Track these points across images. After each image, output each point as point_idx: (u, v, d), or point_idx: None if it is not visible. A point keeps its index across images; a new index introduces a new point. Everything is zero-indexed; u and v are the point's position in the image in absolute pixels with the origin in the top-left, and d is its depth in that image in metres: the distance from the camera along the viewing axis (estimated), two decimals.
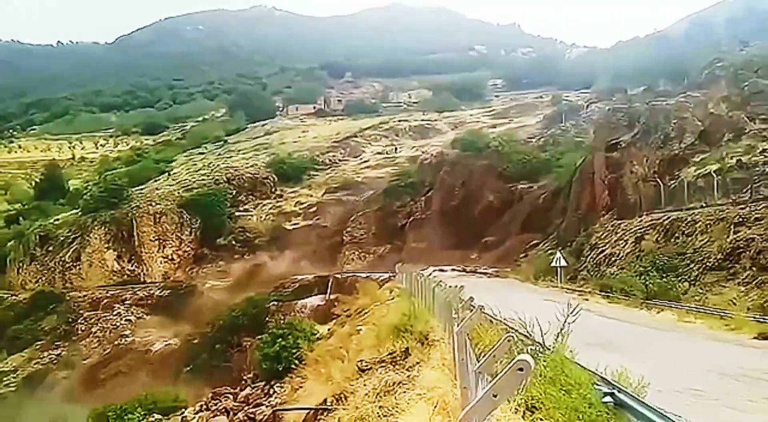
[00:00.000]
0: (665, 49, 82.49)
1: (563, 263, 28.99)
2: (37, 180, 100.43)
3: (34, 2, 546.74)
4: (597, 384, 5.26)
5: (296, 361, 22.18)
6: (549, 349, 6.35)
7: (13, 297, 61.68)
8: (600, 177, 36.96)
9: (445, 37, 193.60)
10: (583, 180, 40.55)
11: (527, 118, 76.97)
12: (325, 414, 11.22)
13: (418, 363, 10.03)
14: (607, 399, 4.92)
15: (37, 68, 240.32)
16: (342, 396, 11.12)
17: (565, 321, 6.60)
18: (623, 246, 28.13)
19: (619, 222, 31.22)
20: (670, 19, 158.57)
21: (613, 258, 28.29)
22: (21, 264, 67.15)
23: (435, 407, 6.62)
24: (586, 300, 21.59)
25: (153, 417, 29.23)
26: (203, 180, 69.42)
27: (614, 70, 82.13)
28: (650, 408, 4.43)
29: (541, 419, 5.00)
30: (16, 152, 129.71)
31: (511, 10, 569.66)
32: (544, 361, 5.85)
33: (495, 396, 3.35)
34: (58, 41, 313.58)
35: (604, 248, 30.09)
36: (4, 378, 49.37)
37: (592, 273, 29.42)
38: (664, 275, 21.35)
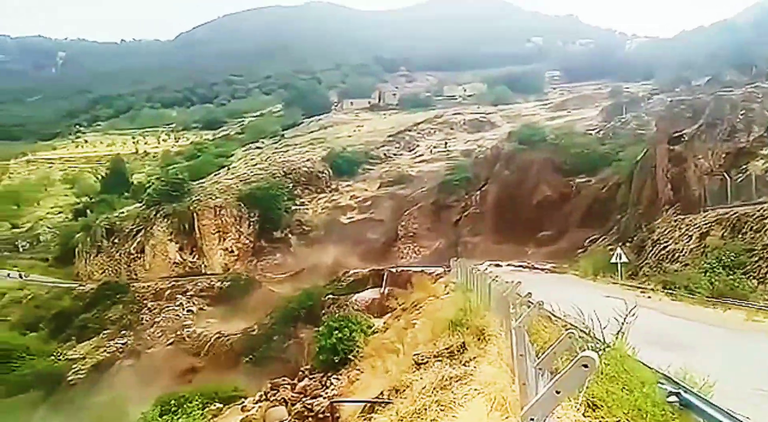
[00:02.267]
0: (732, 38, 79.21)
1: (624, 259, 28.21)
2: (103, 174, 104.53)
3: (100, 1, 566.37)
4: (661, 383, 5.16)
5: (352, 354, 22.43)
6: (609, 346, 6.26)
7: (81, 288, 64.45)
8: (662, 170, 35.80)
9: (500, 29, 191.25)
10: (644, 173, 39.39)
11: (586, 111, 75.23)
12: (382, 406, 11.33)
13: (474, 357, 10.01)
14: (672, 398, 4.83)
15: (103, 65, 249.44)
16: (398, 389, 11.22)
17: (626, 318, 6.49)
18: (687, 242, 27.19)
19: (683, 217, 30.19)
20: (737, 7, 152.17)
21: (676, 255, 27.38)
22: (88, 256, 70.09)
23: (493, 402, 6.62)
24: (648, 297, 21.01)
25: (213, 405, 30.13)
26: (261, 174, 70.74)
27: (677, 61, 79.46)
28: (718, 408, 4.32)
29: (602, 417, 4.95)
30: (82, 147, 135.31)
31: (568, 1, 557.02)
32: (605, 358, 5.77)
33: (558, 392, 3.35)
34: (122, 39, 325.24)
35: (666, 244, 29.16)
36: (74, 366, 51.66)
37: (654, 269, 28.55)
38: (731, 272, 20.54)
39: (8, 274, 75.84)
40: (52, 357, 53.39)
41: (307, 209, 65.97)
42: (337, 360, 24.33)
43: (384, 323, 28.53)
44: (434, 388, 8.97)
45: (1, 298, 68.69)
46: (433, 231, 57.95)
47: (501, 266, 38.58)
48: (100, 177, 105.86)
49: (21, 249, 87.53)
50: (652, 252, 30.08)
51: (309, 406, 20.81)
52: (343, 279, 51.30)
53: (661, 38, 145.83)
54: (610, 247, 35.37)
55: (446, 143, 75.60)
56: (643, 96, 70.33)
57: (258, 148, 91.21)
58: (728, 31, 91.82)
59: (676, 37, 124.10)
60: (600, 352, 5.94)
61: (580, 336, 6.36)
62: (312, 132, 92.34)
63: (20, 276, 74.18)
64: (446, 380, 9.17)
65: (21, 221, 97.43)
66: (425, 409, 7.98)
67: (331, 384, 22.55)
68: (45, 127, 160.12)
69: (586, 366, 3.26)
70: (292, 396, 24.26)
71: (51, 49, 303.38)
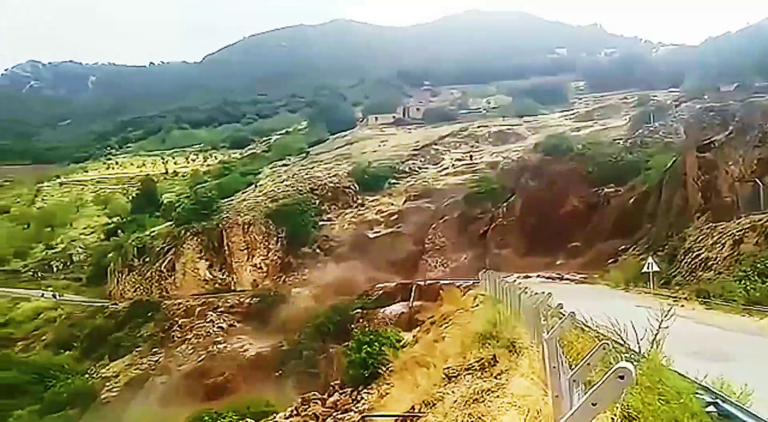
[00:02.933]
0: (759, 44, 78.00)
1: (655, 268, 27.71)
2: (134, 194, 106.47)
3: (128, 26, 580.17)
4: (698, 393, 5.07)
5: (382, 368, 22.39)
6: (644, 357, 6.17)
7: (114, 306, 65.49)
8: (692, 178, 35.26)
9: (523, 41, 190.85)
10: (674, 182, 38.85)
11: (612, 120, 74.58)
12: (414, 421, 11.28)
13: (506, 370, 9.93)
14: (711, 408, 4.74)
15: (132, 88, 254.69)
16: (429, 403, 11.17)
17: (659, 327, 6.40)
18: (720, 250, 26.69)
19: (715, 224, 29.65)
20: (763, 12, 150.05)
21: (709, 263, 26.89)
22: (120, 275, 71.28)
23: (526, 415, 6.57)
24: (682, 306, 20.60)
25: (246, 421, 30.26)
26: (288, 190, 71.31)
27: (704, 68, 78.54)
28: (757, 418, 4.24)
29: None
30: (113, 168, 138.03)
31: (592, 11, 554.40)
32: (640, 369, 5.69)
33: (594, 404, 3.31)
34: (150, 62, 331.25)
35: (699, 252, 28.65)
36: (107, 384, 52.35)
37: (686, 278, 28.05)
38: (767, 279, 20.13)
39: (42, 294, 77.42)
40: (86, 375, 54.24)
41: (334, 224, 66.24)
42: (367, 375, 24.31)
43: (413, 337, 28.46)
44: (466, 401, 8.92)
45: (37, 318, 70.11)
46: (460, 244, 57.70)
47: (530, 277, 38.28)
48: (131, 197, 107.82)
49: (55, 270, 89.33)
50: (685, 260, 29.58)
51: (340, 421, 20.79)
52: (372, 293, 51.29)
53: (687, 45, 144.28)
54: (641, 257, 34.86)
55: (471, 155, 75.42)
56: (671, 104, 69.50)
57: (284, 165, 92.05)
58: (755, 36, 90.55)
59: (703, 43, 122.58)
60: (635, 363, 5.86)
61: (614, 347, 6.29)
62: (337, 148, 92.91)
63: (54, 296, 75.66)
64: (478, 393, 9.12)
65: (55, 242, 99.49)
66: None
67: (362, 398, 22.52)
68: (77, 149, 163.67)
69: (622, 377, 3.22)
70: (323, 411, 24.29)
71: (83, 73, 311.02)
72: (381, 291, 51.16)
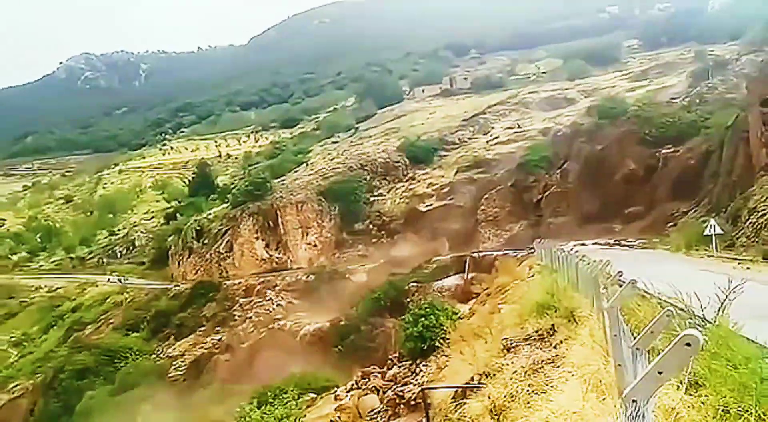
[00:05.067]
0: None
1: (718, 230, 26.67)
2: (190, 178, 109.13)
3: (174, 13, 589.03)
4: None
5: (440, 341, 22.45)
6: (710, 323, 5.97)
7: (176, 288, 67.64)
8: (756, 135, 33.69)
9: (572, 2, 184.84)
10: (736, 139, 37.26)
11: (669, 78, 71.62)
12: (474, 391, 11.29)
13: (565, 340, 9.80)
14: None
15: (183, 74, 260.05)
16: (488, 374, 11.13)
17: (728, 294, 6.16)
18: None
19: None
20: None
21: None
22: (181, 257, 73.47)
23: (588, 384, 6.46)
24: (748, 268, 19.87)
25: (308, 396, 30.94)
26: (338, 168, 71.66)
27: (766, 18, 74.21)
28: None
29: (706, 396, 4.73)
30: (169, 154, 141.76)
31: None
32: (706, 335, 5.51)
33: (660, 373, 3.22)
34: (198, 47, 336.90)
35: (764, 212, 27.49)
36: (174, 363, 54.32)
37: (751, 239, 26.99)
38: None
39: (108, 279, 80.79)
40: (154, 356, 56.40)
41: (386, 200, 66.33)
42: (424, 348, 24.39)
43: (469, 309, 28.42)
44: (526, 372, 8.85)
45: (104, 302, 73.18)
46: (513, 214, 57.05)
47: (587, 245, 37.52)
48: (187, 181, 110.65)
49: (119, 255, 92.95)
50: (749, 221, 28.44)
51: (400, 393, 21.03)
52: (426, 266, 51.36)
53: None
54: (702, 219, 33.74)
55: (518, 124, 73.88)
56: (731, 58, 66.19)
57: (334, 142, 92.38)
58: None
59: None
60: (701, 329, 5.68)
61: (678, 314, 6.11)
62: (386, 122, 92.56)
63: (119, 281, 78.80)
64: (537, 363, 9.03)
65: (117, 228, 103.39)
66: (518, 393, 7.89)
67: (420, 371, 22.67)
68: (134, 137, 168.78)
69: (689, 344, 3.11)
70: (383, 384, 24.61)
71: (134, 62, 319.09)
72: (435, 265, 51.19)
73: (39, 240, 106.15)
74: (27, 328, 75.70)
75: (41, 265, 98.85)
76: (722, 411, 4.51)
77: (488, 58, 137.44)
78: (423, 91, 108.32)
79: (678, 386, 4.67)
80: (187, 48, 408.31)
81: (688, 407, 4.61)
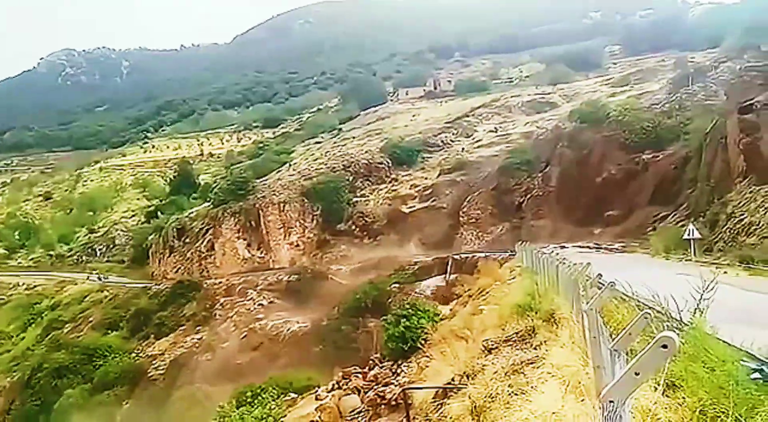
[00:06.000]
0: None
1: (696, 235, 27.05)
2: (171, 177, 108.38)
3: (157, 10, 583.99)
4: (744, 360, 4.98)
5: (421, 341, 22.50)
6: (687, 325, 6.07)
7: (157, 287, 67.06)
8: (734, 141, 34.18)
9: (555, 7, 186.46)
10: (714, 145, 37.72)
11: (649, 84, 72.44)
12: (455, 392, 11.35)
13: (545, 341, 9.89)
14: (756, 375, 4.65)
15: (165, 72, 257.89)
16: (469, 374, 11.20)
17: (703, 294, 6.27)
18: (764, 215, 25.99)
19: (758, 188, 28.83)
20: None
21: (752, 228, 26.22)
22: (162, 256, 72.92)
23: (567, 385, 6.54)
24: (725, 272, 20.13)
25: (288, 396, 30.82)
26: (321, 168, 71.57)
27: (745, 26, 75.36)
28: None
29: (683, 397, 4.82)
30: (150, 152, 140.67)
31: None
32: (683, 337, 5.60)
33: (637, 374, 3.28)
34: (181, 45, 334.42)
35: (742, 217, 27.93)
36: (153, 362, 53.85)
37: (729, 244, 27.41)
38: None
39: (88, 277, 79.90)
40: (133, 355, 55.85)
41: (368, 200, 66.30)
42: (406, 348, 24.43)
43: (451, 310, 28.48)
44: (506, 373, 8.92)
45: (83, 300, 72.35)
46: (495, 216, 57.28)
47: (567, 248, 37.81)
48: (168, 180, 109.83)
49: (99, 253, 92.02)
50: (727, 226, 28.89)
51: (381, 394, 21.02)
52: (408, 268, 51.44)
53: (726, 3, 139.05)
54: (681, 224, 34.18)
55: (496, 128, 74.24)
56: (710, 65, 67.09)
57: (317, 143, 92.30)
58: None
59: (742, 0, 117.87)
60: (678, 331, 5.77)
61: (656, 317, 6.20)
62: (369, 124, 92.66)
63: (99, 279, 78.01)
64: (518, 364, 9.10)
65: (97, 226, 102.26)
66: (498, 393, 7.95)
67: (402, 371, 22.69)
68: (115, 135, 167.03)
69: (665, 346, 3.18)
70: (364, 385, 24.57)
71: (116, 59, 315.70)
72: (417, 266, 51.28)
73: (17, 237, 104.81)
74: (4, 326, 74.57)
75: (19, 262, 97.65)
76: (699, 412, 4.59)
77: (472, 61, 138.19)
78: (407, 93, 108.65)
79: (655, 387, 4.75)
80: (170, 46, 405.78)
81: (665, 408, 4.69)
